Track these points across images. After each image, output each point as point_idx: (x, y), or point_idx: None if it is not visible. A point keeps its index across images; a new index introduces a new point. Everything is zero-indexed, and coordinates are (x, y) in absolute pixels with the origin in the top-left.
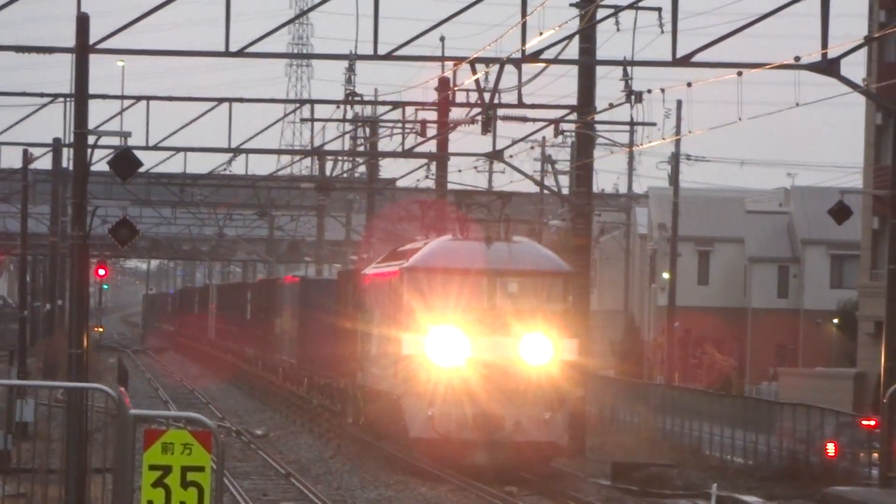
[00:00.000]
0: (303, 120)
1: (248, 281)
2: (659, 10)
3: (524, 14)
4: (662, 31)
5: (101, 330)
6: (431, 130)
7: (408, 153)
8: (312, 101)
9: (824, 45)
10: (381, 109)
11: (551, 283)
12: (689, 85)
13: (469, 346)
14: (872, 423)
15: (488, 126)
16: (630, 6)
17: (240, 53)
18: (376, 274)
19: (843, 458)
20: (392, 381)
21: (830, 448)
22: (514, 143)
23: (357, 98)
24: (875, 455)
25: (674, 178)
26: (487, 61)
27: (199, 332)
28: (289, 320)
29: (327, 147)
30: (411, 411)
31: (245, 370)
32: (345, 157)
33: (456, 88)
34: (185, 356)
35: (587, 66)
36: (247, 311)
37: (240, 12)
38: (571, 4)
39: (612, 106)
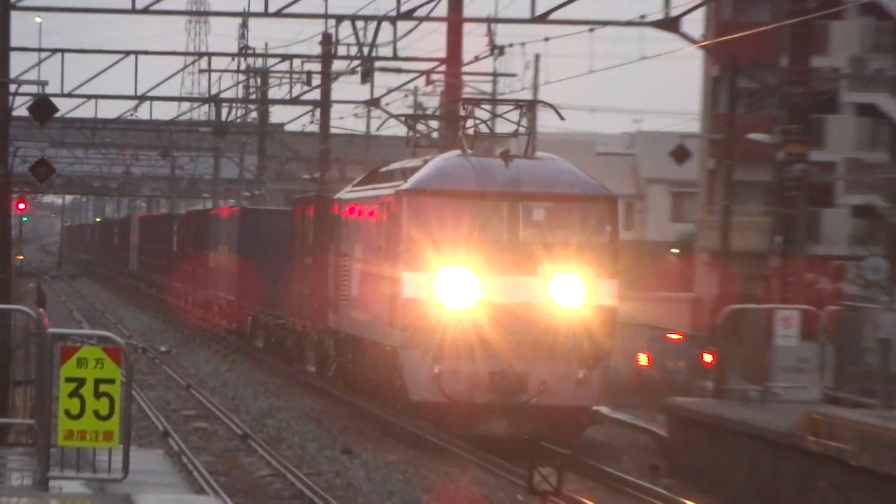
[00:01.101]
0: (201, 71)
1: (174, 212)
2: None
3: None
4: None
5: (21, 257)
6: (316, 80)
7: (294, 101)
8: (210, 54)
9: (667, 4)
10: (271, 62)
11: (586, 210)
12: (546, 40)
13: (485, 289)
14: (677, 336)
15: (367, 77)
16: None
17: (145, 11)
18: (356, 199)
19: (655, 367)
20: (385, 330)
21: (643, 358)
22: (390, 91)
23: (250, 51)
24: (681, 364)
25: (531, 123)
26: (366, 18)
27: (120, 263)
28: (226, 255)
29: (223, 95)
30: (412, 368)
31: (170, 303)
32: (238, 104)
33: (338, 43)
34: (103, 284)
35: (454, 23)
36: (173, 243)
37: None
38: None
39: (477, 59)
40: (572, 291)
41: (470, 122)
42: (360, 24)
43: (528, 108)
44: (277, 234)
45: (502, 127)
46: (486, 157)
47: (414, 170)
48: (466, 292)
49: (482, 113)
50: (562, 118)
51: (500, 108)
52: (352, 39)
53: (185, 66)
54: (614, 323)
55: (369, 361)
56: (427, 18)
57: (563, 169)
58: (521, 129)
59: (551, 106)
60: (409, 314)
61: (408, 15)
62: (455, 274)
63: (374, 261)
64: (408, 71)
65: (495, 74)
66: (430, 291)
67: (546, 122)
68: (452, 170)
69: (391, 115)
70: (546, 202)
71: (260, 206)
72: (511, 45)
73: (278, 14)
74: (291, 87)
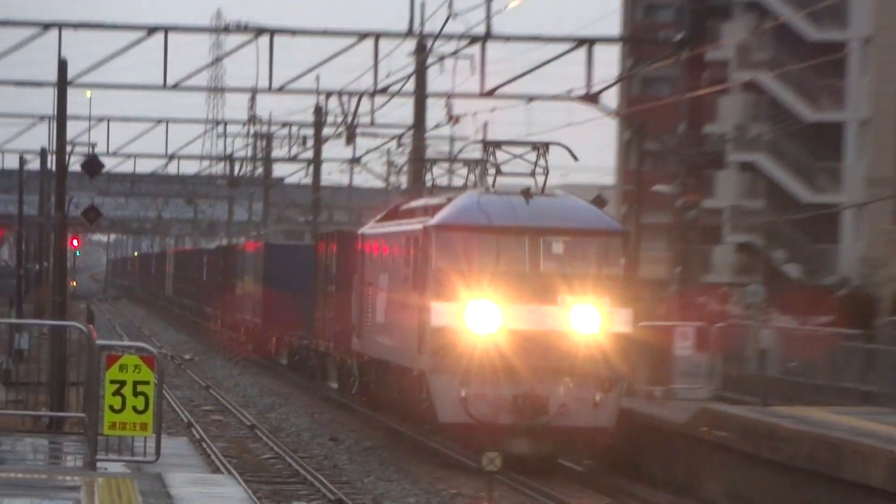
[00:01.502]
0: (218, 135)
1: (204, 247)
2: (472, 56)
3: (376, 61)
4: (473, 73)
5: (74, 284)
6: (310, 143)
7: (292, 159)
8: (225, 122)
9: (588, 82)
10: (274, 127)
11: (603, 244)
12: (492, 110)
13: (508, 317)
14: None
15: (350, 140)
16: (451, 55)
17: (174, 87)
18: (380, 234)
19: None
20: (413, 355)
21: None
22: (368, 152)
23: (257, 120)
24: None
25: (481, 178)
26: (350, 94)
27: (157, 289)
28: (251, 283)
29: (236, 154)
30: (441, 391)
31: (199, 323)
32: (248, 162)
33: (327, 113)
34: (140, 306)
35: (420, 97)
36: (203, 273)
37: (174, 58)
38: (409, 54)
39: (437, 126)
40: (589, 319)
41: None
42: (344, 98)
43: (545, 149)
44: (298, 266)
45: (514, 167)
46: (506, 194)
47: (438, 207)
48: (491, 320)
49: (502, 154)
50: (575, 158)
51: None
52: (338, 110)
53: (206, 131)
54: (628, 349)
55: (395, 383)
56: (398, 94)
57: (578, 206)
58: (539, 169)
59: (566, 147)
60: (438, 341)
61: (383, 91)
62: (481, 303)
63: (401, 291)
64: (383, 135)
65: (452, 138)
66: (458, 320)
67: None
68: (477, 206)
69: (370, 171)
70: (565, 236)
71: (283, 242)
72: (465, 115)
73: (280, 90)
74: (290, 148)
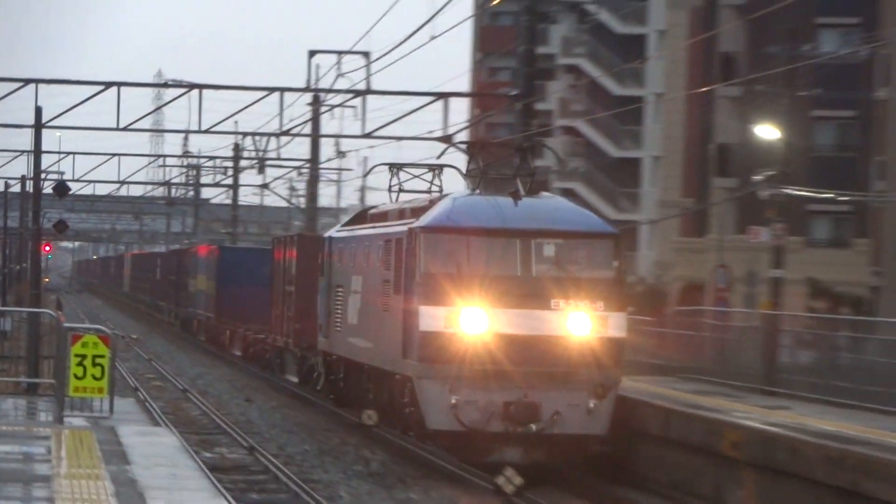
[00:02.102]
0: (159, 166)
1: (157, 251)
2: (355, 107)
3: (281, 109)
4: (356, 119)
5: (47, 280)
6: (230, 172)
7: (216, 185)
8: (165, 156)
9: (445, 126)
10: (202, 160)
11: (594, 246)
12: (371, 147)
13: (499, 321)
14: None
15: (261, 170)
16: (339, 105)
17: (126, 129)
18: (351, 238)
19: None
20: (398, 360)
21: None
22: (275, 179)
23: (190, 154)
24: None
25: (362, 198)
26: (261, 134)
27: (115, 286)
28: (204, 281)
29: (173, 181)
30: (429, 398)
31: (153, 315)
32: (182, 187)
33: (244, 149)
34: (100, 299)
35: (315, 138)
36: (157, 273)
37: (125, 106)
38: (307, 104)
39: (329, 160)
40: (583, 324)
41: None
42: (257, 138)
43: (440, 170)
44: (248, 267)
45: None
46: (493, 196)
47: (422, 209)
48: (482, 325)
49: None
50: (465, 177)
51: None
52: (252, 147)
53: (149, 163)
54: (622, 354)
55: (371, 386)
56: (298, 135)
57: (568, 208)
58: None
59: (457, 168)
60: (427, 347)
61: (286, 133)
62: (471, 307)
63: (380, 294)
64: (286, 166)
65: (339, 170)
66: (448, 324)
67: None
68: (466, 208)
69: (277, 195)
70: (557, 239)
71: (235, 245)
72: (350, 151)
73: (207, 132)
74: (215, 176)
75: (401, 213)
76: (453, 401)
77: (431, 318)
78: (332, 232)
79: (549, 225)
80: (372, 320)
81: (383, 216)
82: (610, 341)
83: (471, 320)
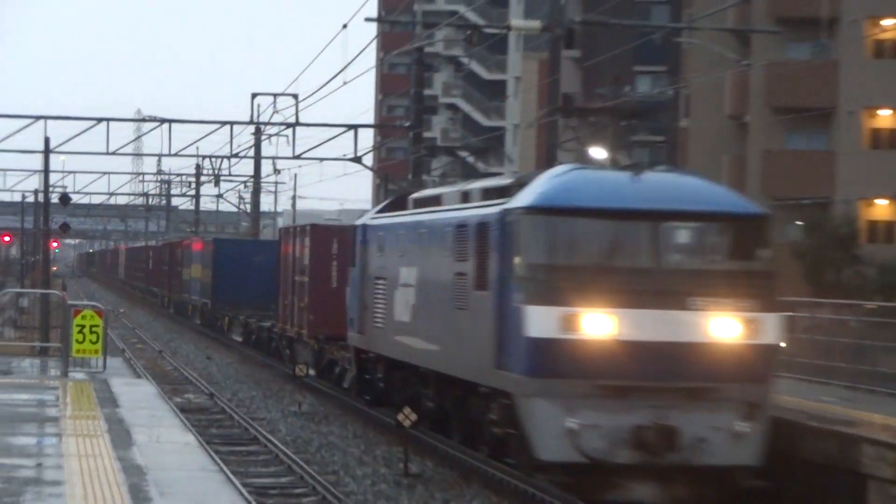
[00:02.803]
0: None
1: (149, 245)
2: (287, 135)
3: (231, 137)
4: (288, 144)
5: (55, 269)
6: (193, 185)
7: (182, 195)
8: (143, 173)
9: (356, 148)
10: (172, 176)
11: (742, 231)
12: (300, 166)
13: (625, 325)
14: None
15: (217, 183)
16: (275, 134)
17: (114, 153)
18: (400, 224)
19: None
20: (488, 371)
21: None
22: (227, 191)
23: (162, 172)
24: None
25: (293, 204)
26: (216, 157)
27: (112, 273)
28: (199, 270)
29: (151, 192)
30: (541, 422)
31: (146, 299)
32: (157, 196)
33: (203, 168)
34: (98, 284)
35: (257, 159)
36: (149, 263)
37: (113, 136)
38: (251, 133)
39: (267, 176)
40: (728, 327)
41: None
42: (213, 159)
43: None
44: (241, 256)
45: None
46: (607, 169)
47: (506, 189)
48: (604, 330)
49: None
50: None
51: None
52: (209, 166)
53: (131, 179)
54: (774, 364)
55: (433, 393)
56: (244, 157)
57: (701, 184)
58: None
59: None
60: (537, 357)
61: (235, 155)
62: (590, 308)
63: (450, 289)
64: (235, 181)
65: (276, 183)
66: (564, 329)
67: (303, 206)
68: (580, 183)
69: (229, 202)
70: (693, 222)
71: (231, 237)
72: (283, 169)
73: (176, 154)
74: (181, 188)
75: (465, 196)
76: (571, 425)
77: (542, 320)
78: (367, 219)
79: (684, 205)
80: (436, 319)
81: (435, 200)
82: (762, 349)
83: (594, 324)
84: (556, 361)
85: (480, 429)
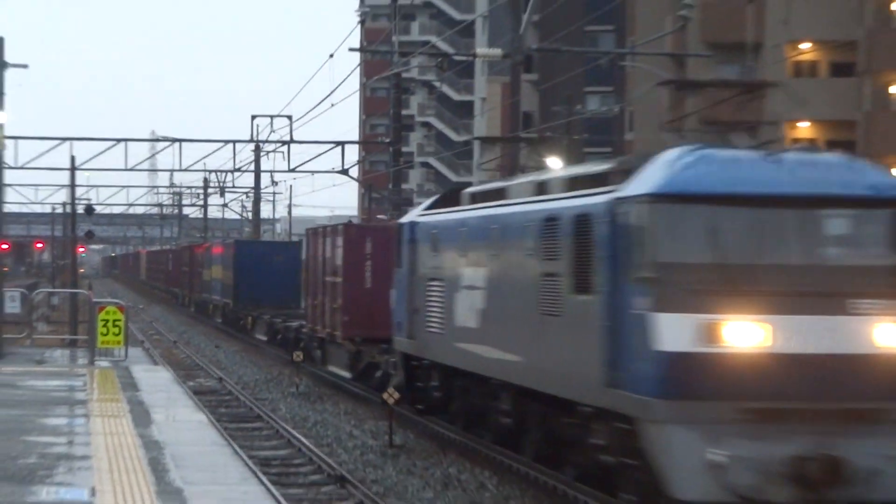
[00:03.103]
0: (155, 193)
1: (168, 248)
2: (283, 151)
3: (234, 153)
4: (284, 159)
5: (82, 270)
6: (202, 196)
7: (192, 205)
8: (158, 186)
9: (343, 163)
10: (183, 189)
11: None
12: (294, 178)
13: (778, 334)
14: None
15: (222, 194)
16: (272, 151)
17: (132, 170)
18: (459, 220)
19: None
20: (600, 391)
21: None
22: (231, 200)
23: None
24: None
25: (289, 211)
26: (221, 171)
27: (134, 274)
28: (220, 271)
29: (164, 202)
30: (677, 453)
31: (164, 297)
32: (170, 206)
33: (209, 181)
34: (120, 284)
35: (257, 172)
36: (168, 265)
37: (130, 154)
38: (252, 150)
39: (266, 187)
40: None
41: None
42: (219, 173)
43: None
44: (262, 257)
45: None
46: (738, 149)
47: (611, 175)
48: (754, 341)
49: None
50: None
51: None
52: (215, 179)
53: (147, 191)
54: None
55: (514, 409)
56: (246, 171)
57: (850, 164)
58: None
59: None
60: (672, 375)
61: (238, 169)
62: (737, 315)
63: (535, 292)
64: (238, 191)
65: (274, 193)
66: (706, 341)
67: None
68: (712, 166)
69: (232, 210)
70: (849, 208)
71: (251, 239)
72: (280, 181)
73: (186, 170)
74: (192, 200)
75: (542, 187)
76: (715, 457)
77: (677, 331)
78: (414, 217)
79: (836, 189)
80: (514, 326)
81: (499, 193)
82: None
83: (742, 334)
84: (694, 380)
85: (570, 450)
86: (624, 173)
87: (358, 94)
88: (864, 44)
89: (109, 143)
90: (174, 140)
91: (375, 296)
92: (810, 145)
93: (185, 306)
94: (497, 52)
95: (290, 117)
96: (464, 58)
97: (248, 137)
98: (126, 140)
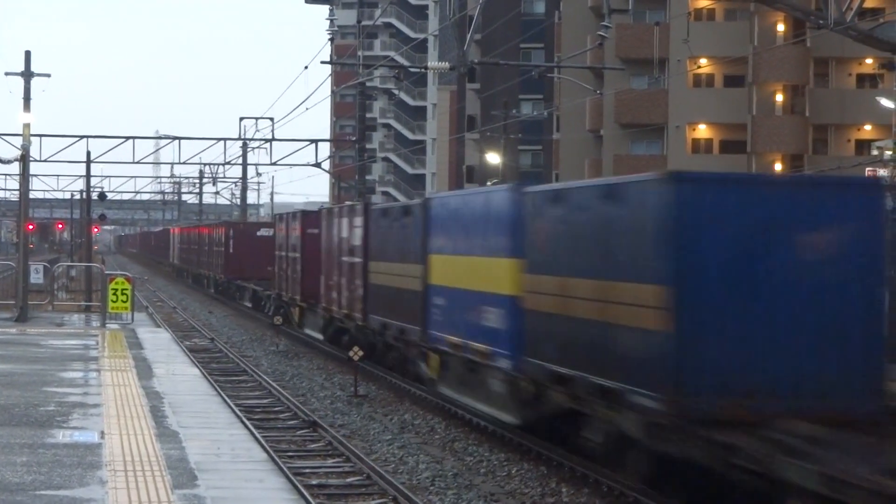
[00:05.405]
0: (158, 183)
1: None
2: (266, 147)
3: (225, 150)
4: (268, 154)
5: (96, 247)
6: (197, 185)
7: (190, 192)
8: (161, 177)
9: (316, 158)
10: (182, 179)
11: None
12: (276, 171)
13: None
14: None
15: (215, 184)
16: (257, 147)
17: (139, 163)
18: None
19: None
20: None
21: None
22: (223, 188)
23: (174, 176)
24: None
25: (271, 199)
26: (214, 164)
27: (160, 254)
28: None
29: (165, 191)
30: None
31: (171, 274)
32: (172, 194)
33: (204, 173)
34: (129, 259)
35: (244, 166)
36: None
37: (137, 149)
38: (240, 147)
39: (252, 178)
40: None
41: None
42: (212, 166)
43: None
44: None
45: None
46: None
47: None
48: None
49: None
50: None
51: None
52: (209, 172)
53: (151, 181)
54: None
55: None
56: (235, 164)
57: None
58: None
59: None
60: None
61: (228, 163)
62: None
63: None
64: (229, 181)
65: (258, 182)
66: None
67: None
68: None
69: (223, 197)
70: None
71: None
72: (263, 173)
73: (184, 163)
74: (189, 188)
75: None
76: None
77: None
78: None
79: None
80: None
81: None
82: None
83: None
84: None
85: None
86: None
87: (329, 99)
88: (752, 60)
89: (119, 140)
90: (174, 138)
91: None
92: None
93: (184, 279)
94: (445, 65)
95: (272, 119)
96: (418, 70)
97: (236, 136)
98: (133, 137)
